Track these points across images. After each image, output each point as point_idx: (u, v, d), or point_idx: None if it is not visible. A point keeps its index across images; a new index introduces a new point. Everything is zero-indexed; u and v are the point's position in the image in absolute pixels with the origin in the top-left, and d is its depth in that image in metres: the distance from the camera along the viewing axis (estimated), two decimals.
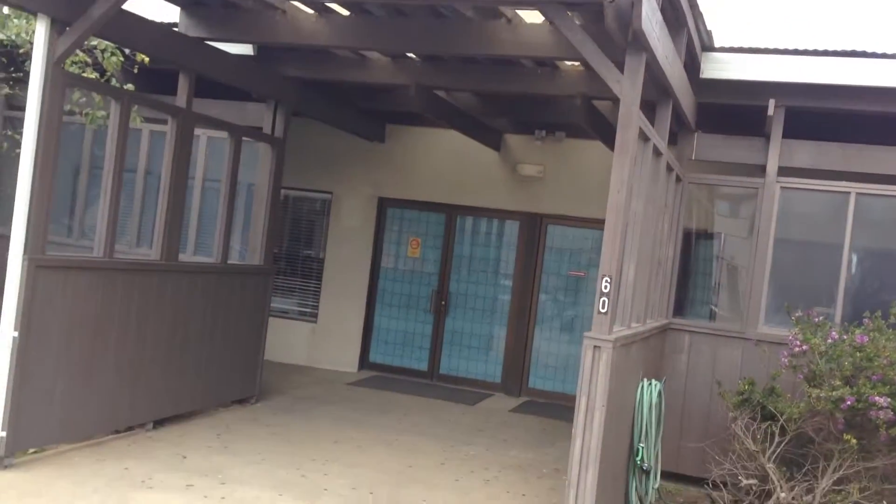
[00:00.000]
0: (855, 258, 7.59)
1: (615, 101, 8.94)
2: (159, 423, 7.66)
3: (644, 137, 5.83)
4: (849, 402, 5.67)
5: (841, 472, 6.06)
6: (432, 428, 8.92)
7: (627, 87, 5.26)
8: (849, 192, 7.49)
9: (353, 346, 11.78)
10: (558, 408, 10.51)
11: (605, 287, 5.14)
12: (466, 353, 11.44)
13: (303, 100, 9.37)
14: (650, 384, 6.41)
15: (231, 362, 8.58)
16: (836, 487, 6.03)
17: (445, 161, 11.45)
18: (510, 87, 8.38)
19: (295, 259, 12.14)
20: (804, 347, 6.14)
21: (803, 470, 6.25)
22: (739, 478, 6.30)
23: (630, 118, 5.20)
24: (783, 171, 7.70)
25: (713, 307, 8.72)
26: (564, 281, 11.10)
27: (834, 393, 5.76)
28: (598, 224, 10.92)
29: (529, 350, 11.13)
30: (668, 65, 5.92)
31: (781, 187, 7.68)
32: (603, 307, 5.13)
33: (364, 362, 11.84)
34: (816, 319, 6.54)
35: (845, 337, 6.24)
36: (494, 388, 11.21)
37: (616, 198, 5.16)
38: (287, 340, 11.46)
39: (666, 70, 5.86)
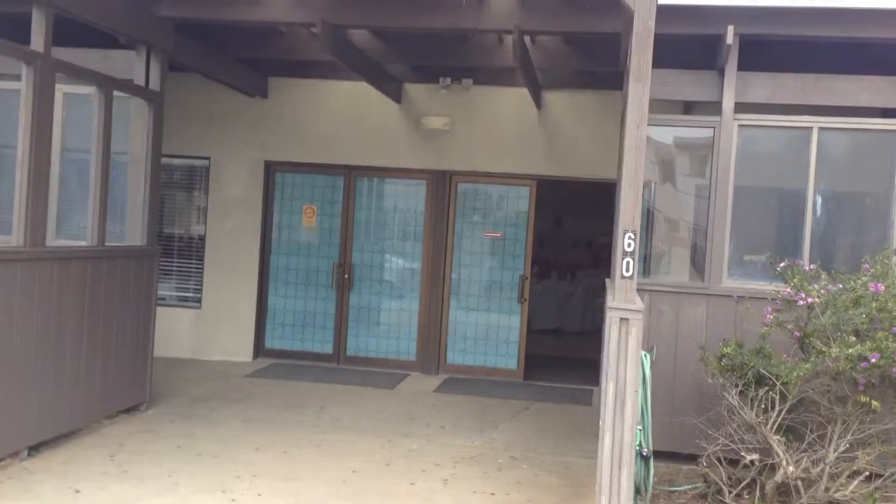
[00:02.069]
0: (820, 200, 7.02)
1: (562, 34, 8.09)
2: (35, 449, 6.15)
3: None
4: (873, 360, 5.01)
5: (850, 437, 5.44)
6: (358, 421, 7.80)
7: None
8: (811, 128, 6.87)
9: (245, 332, 10.40)
10: (483, 384, 9.62)
11: (629, 245, 4.15)
12: (376, 331, 10.32)
13: (178, 46, 7.87)
14: (644, 356, 5.55)
15: (116, 365, 7.11)
16: (847, 455, 5.41)
17: (340, 117, 10.19)
18: (433, 21, 7.24)
19: (170, 237, 10.54)
20: (809, 300, 5.44)
21: (808, 439, 5.60)
22: (742, 454, 5.57)
23: (648, 36, 4.23)
24: (740, 108, 6.98)
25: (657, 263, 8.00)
26: (480, 244, 10.15)
27: (851, 350, 5.09)
28: (514, 179, 10.15)
29: (445, 322, 10.14)
30: None
31: (739, 125, 6.94)
32: (627, 270, 4.15)
33: (260, 349, 10.49)
34: (808, 269, 5.88)
35: (840, 286, 5.61)
36: (410, 366, 10.17)
37: (635, 134, 4.16)
38: (168, 331, 9.89)
39: None
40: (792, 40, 6.87)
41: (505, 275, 10.08)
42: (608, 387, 4.08)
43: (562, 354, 12.14)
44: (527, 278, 10.01)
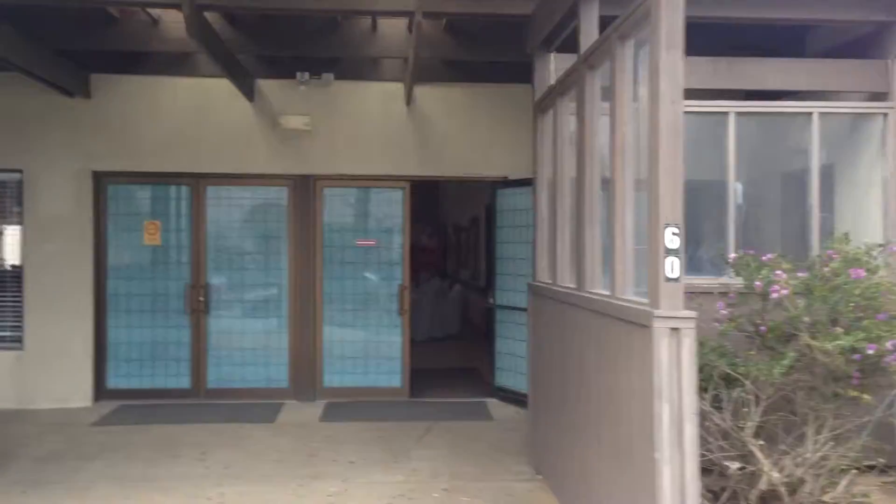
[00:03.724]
0: (740, 187, 6.83)
1: (465, 16, 7.36)
2: None
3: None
4: (870, 350, 4.74)
5: (828, 433, 5.17)
6: (253, 466, 6.71)
7: None
8: (727, 113, 6.65)
9: (82, 372, 8.86)
10: (370, 406, 8.76)
11: (673, 242, 3.52)
12: (240, 358, 9.13)
13: None
14: None
15: None
16: (832, 452, 5.13)
17: (181, 118, 8.93)
18: (322, 2, 6.33)
19: None
20: (784, 291, 5.10)
21: (786, 441, 5.28)
22: (725, 464, 5.15)
23: None
24: None
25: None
26: (353, 253, 9.25)
27: (842, 342, 4.79)
28: (385, 181, 9.34)
29: (319, 342, 9.15)
30: None
31: None
32: (672, 271, 3.52)
33: (101, 391, 8.98)
34: (765, 257, 5.57)
35: (805, 274, 5.35)
36: (283, 395, 9.09)
37: (670, 110, 3.53)
38: None
39: None
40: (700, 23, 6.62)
41: (382, 285, 9.26)
42: (661, 409, 3.44)
43: (441, 365, 11.42)
44: (406, 287, 9.24)
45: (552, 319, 5.70)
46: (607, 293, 4.29)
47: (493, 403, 9.02)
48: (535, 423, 6.40)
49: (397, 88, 9.03)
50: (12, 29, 7.12)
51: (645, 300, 3.64)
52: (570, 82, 5.31)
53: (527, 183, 8.72)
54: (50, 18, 7.61)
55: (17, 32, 7.26)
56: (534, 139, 6.43)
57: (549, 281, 5.93)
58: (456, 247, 20.53)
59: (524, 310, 8.64)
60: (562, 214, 5.59)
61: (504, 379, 9.08)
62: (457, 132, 9.13)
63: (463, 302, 16.08)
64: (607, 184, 5.02)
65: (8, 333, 8.81)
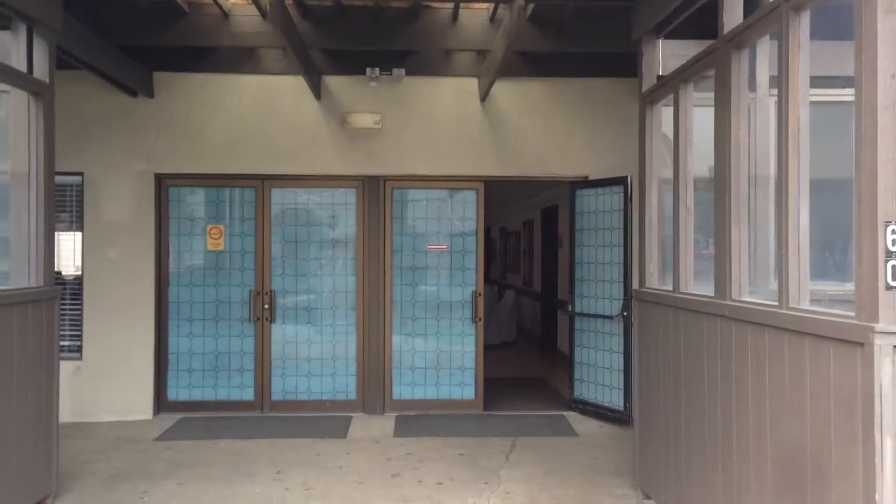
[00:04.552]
0: None
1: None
2: None
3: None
4: None
5: None
6: (336, 487, 6.25)
7: None
8: None
9: (142, 384, 8.48)
10: (443, 420, 8.30)
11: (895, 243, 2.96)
12: (306, 369, 8.70)
13: (66, 25, 6.04)
14: None
15: (10, 447, 5.20)
16: None
17: (246, 117, 8.53)
18: None
19: None
20: None
21: None
22: None
23: None
24: None
25: None
26: (424, 258, 8.79)
27: None
28: (458, 181, 8.88)
29: (389, 352, 8.70)
30: None
31: None
32: (894, 278, 2.98)
33: (162, 403, 8.59)
34: None
35: None
36: (350, 407, 8.65)
37: (890, 86, 2.99)
38: None
39: None
40: None
41: (455, 292, 8.79)
42: (884, 445, 2.92)
43: (504, 374, 10.87)
44: (480, 294, 8.76)
45: (671, 330, 5.19)
46: (771, 302, 3.77)
47: (572, 417, 8.51)
48: (643, 443, 5.89)
49: (471, 84, 8.57)
50: (80, 24, 6.75)
51: (847, 313, 3.13)
52: (699, 68, 4.81)
53: (609, 183, 8.23)
54: (119, 13, 7.25)
55: (86, 27, 6.90)
56: (641, 133, 5.93)
57: (667, 288, 5.42)
58: (504, 251, 20.06)
59: (607, 317, 8.15)
60: (686, 214, 5.08)
61: (584, 391, 8.57)
62: (533, 130, 8.65)
63: (517, 308, 15.60)
64: (753, 178, 4.52)
65: (67, 343, 8.44)
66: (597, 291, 8.36)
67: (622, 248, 7.99)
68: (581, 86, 8.61)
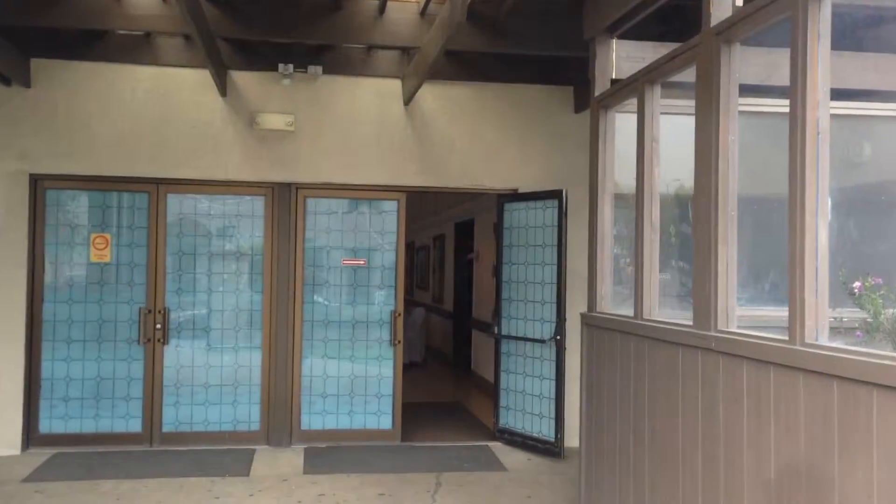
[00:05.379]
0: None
1: None
2: None
3: None
4: None
5: None
6: None
7: None
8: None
9: (9, 414, 7.37)
10: (357, 453, 7.53)
11: None
12: (203, 396, 7.75)
13: None
14: None
15: None
16: None
17: (140, 114, 7.58)
18: None
19: None
20: None
21: None
22: None
23: None
24: None
25: None
26: (339, 274, 8.00)
27: None
28: (375, 191, 8.04)
29: (297, 377, 7.85)
30: None
31: None
32: None
33: (32, 436, 7.48)
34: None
35: None
36: (253, 439, 7.75)
37: None
38: None
39: None
40: None
41: (372, 311, 8.03)
42: None
43: (417, 399, 9.98)
44: (399, 314, 8.02)
45: (631, 362, 4.61)
46: (781, 337, 3.21)
47: (498, 448, 7.86)
48: (590, 478, 5.29)
49: (394, 85, 7.87)
50: None
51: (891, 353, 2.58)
52: (675, 66, 4.25)
53: (542, 196, 7.67)
54: None
55: None
56: (594, 142, 5.36)
57: (625, 313, 4.84)
58: (411, 267, 19.36)
59: (538, 341, 7.57)
60: (651, 232, 4.52)
61: (510, 419, 7.94)
62: (461, 138, 8.01)
63: (426, 327, 14.92)
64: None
65: None
66: (526, 313, 7.75)
67: (556, 267, 7.41)
68: (513, 92, 8.04)
